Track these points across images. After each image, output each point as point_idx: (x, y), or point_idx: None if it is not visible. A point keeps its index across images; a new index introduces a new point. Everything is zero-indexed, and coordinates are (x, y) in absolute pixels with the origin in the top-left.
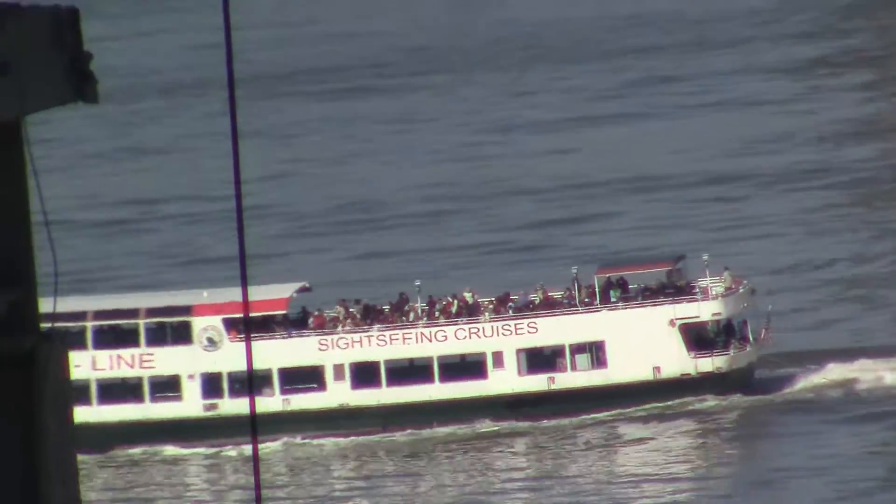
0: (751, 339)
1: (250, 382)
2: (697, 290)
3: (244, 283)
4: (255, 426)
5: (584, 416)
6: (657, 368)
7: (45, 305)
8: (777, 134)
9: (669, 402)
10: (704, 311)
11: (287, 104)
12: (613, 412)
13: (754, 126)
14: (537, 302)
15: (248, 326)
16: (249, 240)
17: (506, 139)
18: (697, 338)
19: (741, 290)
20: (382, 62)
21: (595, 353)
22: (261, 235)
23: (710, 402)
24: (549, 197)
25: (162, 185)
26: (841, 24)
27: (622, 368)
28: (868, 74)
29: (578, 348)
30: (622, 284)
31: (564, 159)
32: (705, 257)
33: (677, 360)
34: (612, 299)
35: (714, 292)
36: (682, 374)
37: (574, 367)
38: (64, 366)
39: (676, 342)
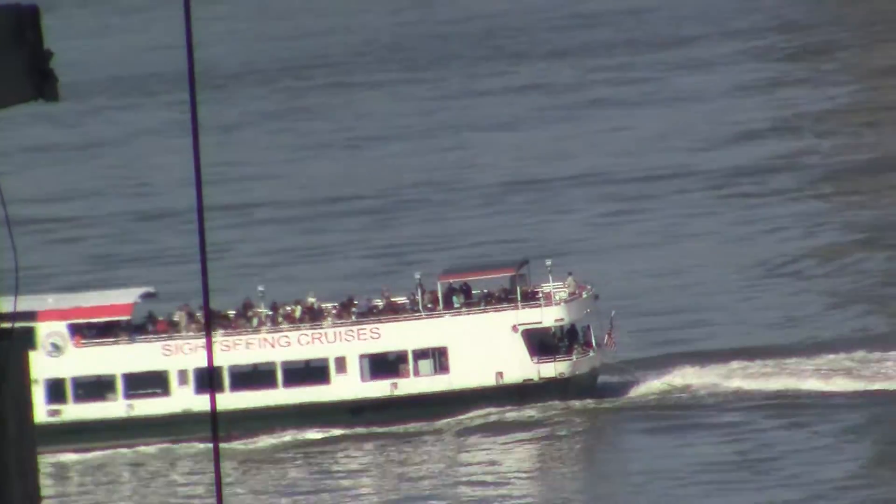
0: (594, 344)
1: (211, 380)
2: (541, 295)
3: (205, 281)
4: (216, 428)
5: (427, 422)
6: (500, 374)
7: (5, 305)
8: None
9: (512, 408)
10: (547, 316)
11: (235, 101)
12: (456, 417)
13: (701, 122)
14: (381, 307)
15: (208, 325)
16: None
17: (453, 137)
18: (540, 343)
19: (584, 296)
20: (334, 61)
21: (438, 358)
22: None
23: (554, 407)
24: (476, 195)
25: (110, 181)
26: (800, 19)
27: (465, 374)
28: (825, 67)
29: (421, 354)
30: (465, 290)
31: (509, 157)
32: (548, 262)
33: (520, 366)
34: (456, 305)
35: (557, 298)
36: (525, 380)
37: (417, 373)
38: (24, 364)
39: (519, 347)
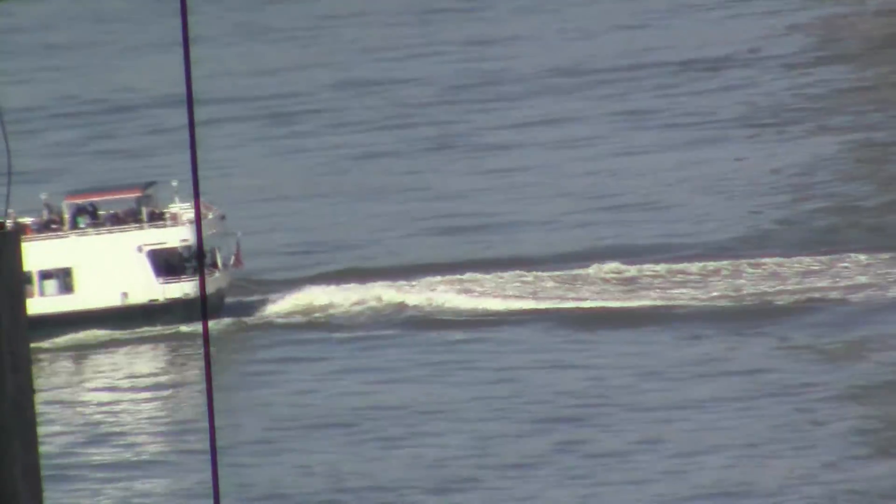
0: (220, 265)
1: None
2: (167, 216)
3: (199, 226)
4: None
5: (54, 341)
6: (125, 294)
7: None
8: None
9: (139, 328)
10: (172, 237)
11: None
12: (82, 336)
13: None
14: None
15: (201, 270)
16: None
17: None
18: (166, 264)
19: (210, 217)
20: None
21: (63, 278)
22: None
23: (179, 327)
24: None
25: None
26: None
27: (90, 294)
28: None
29: (46, 274)
30: (91, 211)
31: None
32: (175, 183)
33: (145, 286)
34: (81, 226)
35: (183, 218)
36: (151, 300)
37: (42, 293)
38: (17, 257)
39: (144, 268)
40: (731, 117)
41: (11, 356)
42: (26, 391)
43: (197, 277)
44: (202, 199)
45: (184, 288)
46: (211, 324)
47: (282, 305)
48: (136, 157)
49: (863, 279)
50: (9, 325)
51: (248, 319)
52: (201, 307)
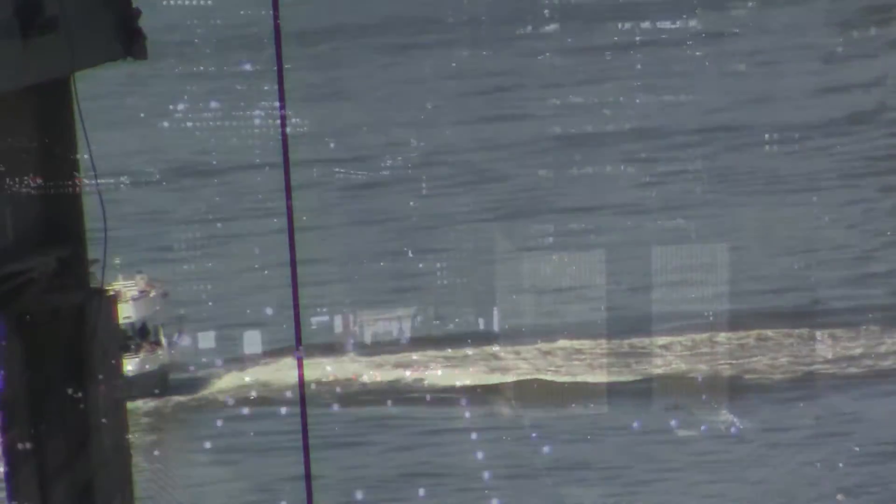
0: (163, 342)
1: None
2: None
3: (293, 253)
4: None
5: None
6: None
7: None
8: None
9: None
10: None
11: None
12: None
13: None
14: None
15: (296, 302)
16: None
17: None
18: None
19: (153, 294)
20: None
21: None
22: None
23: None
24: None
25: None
26: None
27: None
28: None
29: None
30: None
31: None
32: (117, 260)
33: None
34: None
35: (126, 296)
36: None
37: None
38: (112, 319)
39: None
40: None
41: (109, 416)
42: (124, 451)
43: (141, 355)
44: (146, 276)
45: (126, 366)
46: (148, 402)
47: (229, 382)
48: None
49: None
50: (105, 385)
51: (191, 397)
52: (295, 336)
